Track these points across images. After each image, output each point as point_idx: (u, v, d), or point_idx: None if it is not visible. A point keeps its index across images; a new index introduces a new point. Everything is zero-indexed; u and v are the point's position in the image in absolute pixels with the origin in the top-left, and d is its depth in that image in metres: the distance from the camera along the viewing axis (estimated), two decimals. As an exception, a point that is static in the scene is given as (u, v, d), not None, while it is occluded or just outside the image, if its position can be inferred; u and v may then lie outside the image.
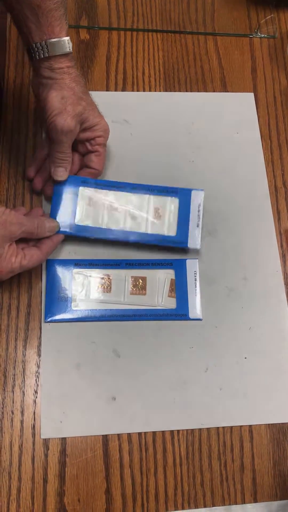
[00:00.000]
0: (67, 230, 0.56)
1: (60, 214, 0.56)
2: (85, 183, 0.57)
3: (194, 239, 0.57)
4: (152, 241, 0.57)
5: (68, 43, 0.51)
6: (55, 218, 0.56)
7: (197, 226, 0.58)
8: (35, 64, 0.52)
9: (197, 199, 0.58)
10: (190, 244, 0.57)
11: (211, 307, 0.57)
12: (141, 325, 0.55)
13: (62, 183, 0.57)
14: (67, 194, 0.57)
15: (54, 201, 0.57)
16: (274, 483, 0.52)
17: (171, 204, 0.58)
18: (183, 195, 0.59)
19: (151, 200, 0.58)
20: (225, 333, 0.56)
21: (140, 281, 0.56)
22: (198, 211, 0.58)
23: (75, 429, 0.51)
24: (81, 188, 0.57)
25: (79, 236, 0.56)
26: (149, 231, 0.57)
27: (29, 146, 0.61)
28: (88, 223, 0.56)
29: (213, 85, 0.68)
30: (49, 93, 0.52)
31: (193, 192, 0.59)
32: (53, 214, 0.56)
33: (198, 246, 0.57)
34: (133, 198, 0.58)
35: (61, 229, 0.55)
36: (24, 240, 0.52)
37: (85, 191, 0.57)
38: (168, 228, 0.57)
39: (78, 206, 0.57)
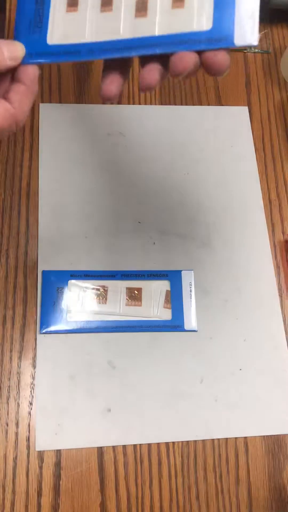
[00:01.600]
0: (36, 55, 0.37)
1: (24, 34, 0.38)
2: None
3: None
4: (173, 46, 0.35)
5: None
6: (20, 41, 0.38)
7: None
8: None
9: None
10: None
11: (206, 318, 0.57)
12: (136, 336, 0.55)
13: None
14: (34, 2, 0.39)
15: (17, 15, 0.39)
16: (270, 496, 0.52)
17: None
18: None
19: None
20: (220, 345, 0.56)
21: (136, 292, 0.56)
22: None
23: (70, 441, 0.50)
24: None
25: (56, 61, 0.38)
26: (164, 31, 0.36)
27: (25, 157, 0.62)
28: (69, 39, 0.37)
29: (208, 99, 0.69)
30: None
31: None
32: (16, 37, 0.38)
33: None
34: None
35: (26, 57, 0.37)
36: None
37: None
38: (198, 18, 0.35)
39: (50, 15, 0.38)
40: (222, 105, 0.69)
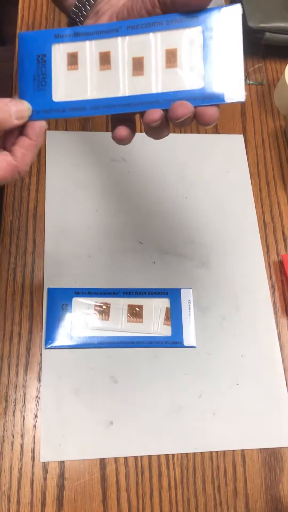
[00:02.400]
0: (43, 113, 0.40)
1: (29, 93, 0.41)
2: (59, 37, 0.41)
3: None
4: (170, 102, 0.38)
5: None
6: (26, 100, 0.40)
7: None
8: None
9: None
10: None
11: (204, 335, 0.59)
12: (137, 352, 0.57)
13: (26, 43, 0.41)
14: (35, 60, 0.41)
15: (20, 74, 0.41)
16: (266, 508, 0.53)
17: (192, 46, 0.39)
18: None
19: (158, 39, 0.40)
20: (218, 360, 0.58)
21: (137, 309, 0.59)
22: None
23: (74, 453, 0.52)
24: (54, 46, 0.41)
25: (62, 117, 0.41)
26: (161, 89, 0.39)
27: (33, 181, 0.65)
28: (73, 96, 0.41)
29: (206, 127, 0.73)
30: None
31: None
32: (21, 95, 0.41)
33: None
34: (131, 42, 0.40)
35: (35, 114, 0.40)
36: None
37: (61, 48, 0.41)
38: (190, 77, 0.39)
39: (53, 74, 0.41)
40: (219, 133, 0.73)
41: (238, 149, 0.72)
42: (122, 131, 0.41)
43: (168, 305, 0.60)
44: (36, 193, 0.64)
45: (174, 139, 0.71)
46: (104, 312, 0.58)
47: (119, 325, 0.58)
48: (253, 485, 0.53)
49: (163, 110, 0.39)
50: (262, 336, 0.60)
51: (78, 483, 0.51)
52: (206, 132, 0.73)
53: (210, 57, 0.38)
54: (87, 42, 0.41)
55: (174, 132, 0.72)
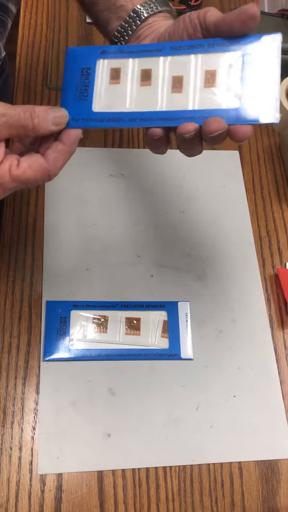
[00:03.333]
0: (82, 121, 0.42)
1: (71, 102, 0.43)
2: (105, 53, 0.44)
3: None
4: (201, 118, 0.40)
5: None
6: (66, 108, 0.42)
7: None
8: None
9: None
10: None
11: (201, 348, 0.60)
12: (135, 364, 0.58)
13: (73, 57, 0.44)
14: (79, 73, 0.44)
15: (64, 84, 0.44)
16: (264, 520, 0.53)
17: (230, 68, 0.41)
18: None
19: (199, 60, 0.42)
20: (215, 373, 0.59)
21: (135, 322, 0.60)
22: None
23: (71, 465, 0.52)
24: (99, 61, 0.44)
25: (100, 127, 0.43)
26: (197, 107, 0.41)
27: (32, 196, 0.66)
28: (112, 108, 0.42)
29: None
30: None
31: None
32: (63, 103, 0.43)
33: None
34: (172, 61, 0.43)
35: (72, 122, 0.42)
36: (28, 146, 0.42)
37: (105, 63, 0.44)
38: (227, 97, 0.40)
39: (95, 86, 0.43)
40: (215, 149, 0.74)
41: (233, 165, 0.73)
42: (157, 130, 0.42)
43: (166, 318, 0.60)
44: (35, 207, 0.65)
45: (171, 155, 0.72)
46: (102, 324, 0.59)
47: (117, 337, 0.59)
48: (250, 498, 0.54)
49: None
50: (258, 348, 0.61)
51: (76, 495, 0.51)
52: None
53: (248, 80, 0.40)
54: (130, 60, 0.44)
55: (171, 148, 0.73)
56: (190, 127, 0.40)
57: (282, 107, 0.74)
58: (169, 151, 0.72)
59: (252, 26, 0.40)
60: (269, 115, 0.40)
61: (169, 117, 0.41)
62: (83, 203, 0.67)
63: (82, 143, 0.71)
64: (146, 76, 0.43)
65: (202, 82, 0.41)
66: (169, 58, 0.43)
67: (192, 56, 0.42)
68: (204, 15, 0.42)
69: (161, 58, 0.43)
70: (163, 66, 0.43)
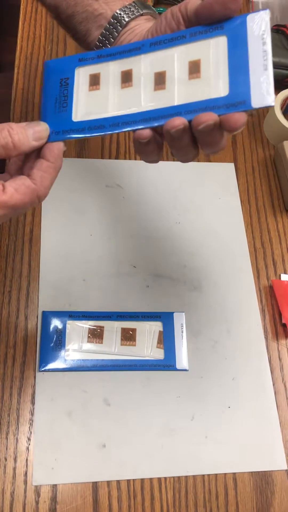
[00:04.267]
0: (63, 133, 0.40)
1: (50, 115, 0.41)
2: (83, 60, 0.42)
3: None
4: (193, 113, 0.37)
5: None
6: (46, 122, 0.40)
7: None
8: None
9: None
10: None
11: (196, 358, 0.60)
12: (130, 375, 0.58)
13: (51, 69, 0.43)
14: (58, 84, 0.42)
15: (43, 98, 0.42)
16: (258, 532, 0.53)
17: (215, 55, 0.38)
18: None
19: (181, 52, 0.39)
20: (210, 383, 0.59)
21: (130, 332, 0.60)
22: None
23: (66, 476, 0.52)
24: (78, 69, 0.42)
25: (81, 136, 0.40)
26: (183, 101, 0.38)
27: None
28: (92, 115, 0.40)
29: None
30: None
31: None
32: (42, 118, 0.42)
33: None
34: (153, 57, 0.40)
35: (53, 135, 0.40)
36: (14, 173, 0.40)
37: (84, 71, 0.42)
38: (214, 86, 0.37)
39: (74, 95, 0.41)
40: (211, 161, 0.75)
41: (229, 177, 0.74)
42: (143, 133, 0.38)
43: (161, 329, 0.61)
44: (32, 217, 0.66)
45: (167, 166, 0.73)
46: (98, 335, 0.59)
47: (113, 348, 0.59)
48: (244, 509, 0.54)
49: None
50: (253, 359, 0.61)
51: (71, 507, 0.51)
52: (198, 161, 0.75)
53: (236, 65, 0.37)
54: (110, 63, 0.41)
55: (167, 160, 0.74)
56: (177, 121, 0.37)
57: (277, 119, 0.75)
58: (165, 162, 0.73)
59: (234, 8, 0.37)
60: (262, 99, 0.36)
61: (154, 116, 0.38)
62: (80, 213, 0.67)
63: (79, 154, 0.72)
64: (126, 78, 0.40)
65: (186, 74, 0.38)
66: (149, 55, 0.40)
67: (174, 49, 0.39)
68: (186, 6, 0.40)
69: (142, 56, 0.40)
70: (144, 64, 0.40)
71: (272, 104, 0.36)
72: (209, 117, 0.36)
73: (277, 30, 0.82)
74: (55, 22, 0.82)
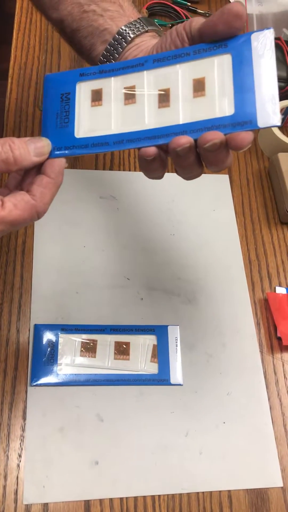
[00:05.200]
0: (65, 149, 0.40)
1: (52, 131, 0.41)
2: (84, 75, 0.42)
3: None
4: (198, 132, 0.37)
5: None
6: (48, 137, 0.40)
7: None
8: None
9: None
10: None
11: (191, 373, 0.59)
12: (124, 390, 0.57)
13: (51, 84, 0.42)
14: (59, 99, 0.42)
15: (43, 113, 0.42)
16: None
17: (220, 73, 0.38)
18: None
19: (185, 70, 0.39)
20: (204, 398, 0.58)
21: (124, 346, 0.59)
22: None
23: (58, 494, 0.51)
24: (79, 84, 0.42)
25: (84, 153, 0.40)
26: (189, 119, 0.38)
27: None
28: (95, 132, 0.40)
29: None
30: None
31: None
32: (44, 133, 0.41)
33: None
34: (156, 74, 0.40)
35: (54, 151, 0.40)
36: (14, 189, 0.40)
37: (85, 86, 0.42)
38: (219, 105, 0.37)
39: (76, 111, 0.41)
40: (205, 173, 0.75)
41: (223, 189, 0.74)
42: (149, 150, 0.38)
43: (155, 342, 0.60)
44: (25, 228, 0.65)
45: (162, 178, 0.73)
46: (91, 349, 0.58)
47: (106, 362, 0.58)
48: (240, 528, 0.53)
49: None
50: (248, 373, 0.60)
51: (62, 526, 0.50)
52: (192, 172, 0.74)
53: (241, 84, 0.36)
54: (112, 78, 0.41)
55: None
56: (183, 140, 0.36)
57: (271, 132, 0.75)
58: (159, 173, 0.73)
59: (238, 26, 0.37)
60: (268, 118, 0.35)
61: (158, 135, 0.38)
62: (73, 225, 0.66)
63: (73, 165, 0.71)
64: (129, 94, 0.40)
65: (191, 92, 0.38)
66: (153, 71, 0.40)
67: (178, 66, 0.39)
68: (190, 24, 0.40)
69: (145, 73, 0.40)
70: (148, 81, 0.40)
71: (279, 124, 0.36)
72: (215, 136, 0.36)
73: (271, 42, 0.82)
74: (49, 33, 0.82)
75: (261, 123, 0.36)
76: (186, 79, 0.39)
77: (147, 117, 0.39)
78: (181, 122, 0.38)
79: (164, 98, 0.39)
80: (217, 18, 0.37)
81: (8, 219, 0.36)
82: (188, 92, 0.38)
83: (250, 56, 0.37)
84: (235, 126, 0.36)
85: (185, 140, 0.37)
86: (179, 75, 0.39)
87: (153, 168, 0.40)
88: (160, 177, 0.42)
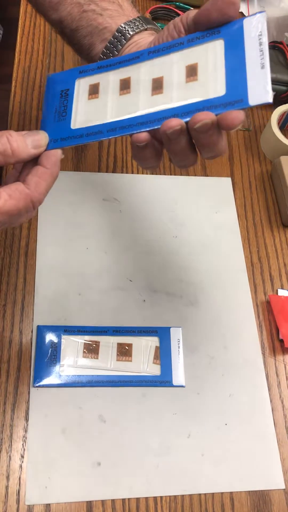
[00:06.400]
0: (61, 141, 0.41)
1: (49, 125, 0.42)
2: (84, 72, 0.43)
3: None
4: (190, 114, 0.37)
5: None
6: (45, 131, 0.41)
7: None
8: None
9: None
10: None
11: (193, 374, 0.59)
12: (126, 391, 0.57)
13: (53, 83, 0.44)
14: (58, 95, 0.43)
15: (43, 109, 0.44)
16: None
17: (213, 58, 0.38)
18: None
19: (179, 58, 0.40)
20: (206, 400, 0.58)
21: (126, 347, 0.59)
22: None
23: (60, 495, 0.51)
24: (78, 80, 0.43)
25: (79, 143, 0.41)
26: (179, 103, 0.38)
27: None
28: (90, 122, 0.41)
29: (195, 170, 0.75)
30: None
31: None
32: (42, 127, 0.43)
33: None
34: (151, 64, 0.41)
35: (51, 143, 0.41)
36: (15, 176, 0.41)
37: (84, 82, 0.43)
38: (211, 87, 0.38)
39: (74, 105, 0.42)
40: (208, 175, 0.75)
41: (226, 191, 0.74)
42: (140, 136, 0.38)
43: (158, 344, 0.60)
44: (28, 230, 0.65)
45: (164, 180, 0.73)
46: (94, 350, 0.58)
47: (108, 363, 0.58)
48: (242, 530, 0.53)
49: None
50: (250, 375, 0.60)
51: (64, 527, 0.50)
52: (195, 175, 0.75)
53: (233, 65, 0.37)
54: (110, 73, 0.42)
55: (165, 174, 0.74)
56: (173, 122, 0.36)
57: (274, 135, 0.75)
58: (162, 176, 0.73)
59: (232, 13, 0.37)
60: (259, 96, 0.35)
61: (150, 120, 0.38)
62: (76, 227, 0.67)
63: (76, 167, 0.71)
64: (125, 85, 0.41)
65: (184, 77, 0.38)
66: (148, 62, 0.41)
67: (172, 55, 0.40)
68: (186, 16, 0.40)
69: (141, 64, 0.41)
70: (143, 72, 0.41)
71: (270, 100, 0.35)
72: (206, 116, 0.36)
73: (273, 46, 0.83)
74: (53, 37, 0.82)
75: (252, 101, 0.35)
76: (179, 66, 0.39)
77: (141, 104, 0.40)
78: (172, 106, 0.38)
79: (157, 86, 0.40)
80: (211, 6, 0.37)
81: (3, 210, 0.36)
82: (181, 78, 0.39)
83: (242, 39, 0.37)
84: (226, 106, 0.36)
85: (176, 122, 0.37)
86: (173, 63, 0.40)
87: (146, 156, 0.40)
88: (154, 167, 0.42)
